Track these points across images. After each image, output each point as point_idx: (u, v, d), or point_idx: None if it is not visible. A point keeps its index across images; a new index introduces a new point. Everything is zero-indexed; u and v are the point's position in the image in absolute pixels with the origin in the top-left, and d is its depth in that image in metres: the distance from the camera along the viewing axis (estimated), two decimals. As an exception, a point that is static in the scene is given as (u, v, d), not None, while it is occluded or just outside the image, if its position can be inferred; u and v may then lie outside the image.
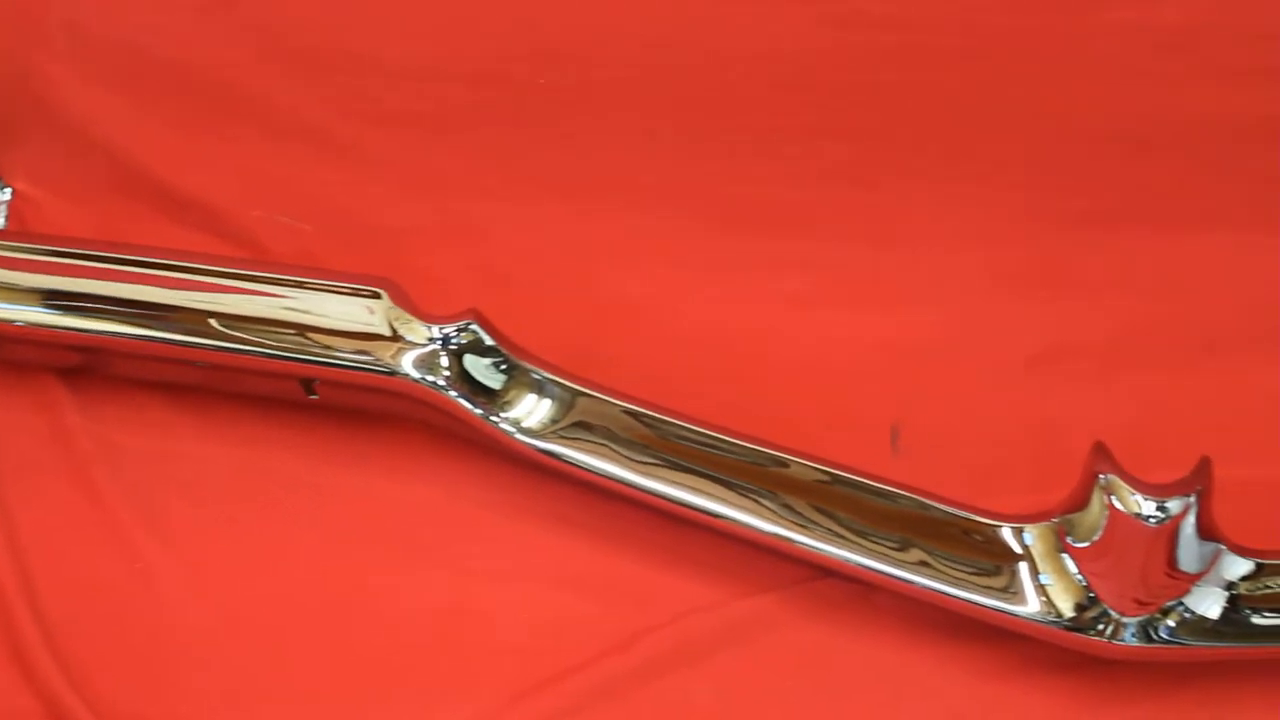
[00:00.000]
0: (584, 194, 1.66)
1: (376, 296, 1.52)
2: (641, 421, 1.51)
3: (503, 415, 1.51)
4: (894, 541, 1.46)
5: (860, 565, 1.46)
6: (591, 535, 1.56)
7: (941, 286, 1.62)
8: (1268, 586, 1.43)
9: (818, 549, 1.47)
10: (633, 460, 1.50)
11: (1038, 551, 1.44)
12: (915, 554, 1.46)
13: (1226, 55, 1.52)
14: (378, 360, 1.52)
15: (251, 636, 1.51)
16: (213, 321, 1.53)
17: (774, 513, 1.48)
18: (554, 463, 1.50)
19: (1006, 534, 1.46)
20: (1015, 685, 1.49)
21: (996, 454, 1.58)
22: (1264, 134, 1.53)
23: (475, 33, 1.60)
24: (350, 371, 1.52)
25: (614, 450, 1.50)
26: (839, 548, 1.46)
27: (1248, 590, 1.43)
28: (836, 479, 1.49)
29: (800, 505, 1.48)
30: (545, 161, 1.65)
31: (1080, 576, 1.42)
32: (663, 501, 1.49)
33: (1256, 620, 1.43)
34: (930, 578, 1.45)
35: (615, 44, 1.59)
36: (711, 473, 1.49)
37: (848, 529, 1.47)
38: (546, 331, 1.56)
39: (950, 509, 1.47)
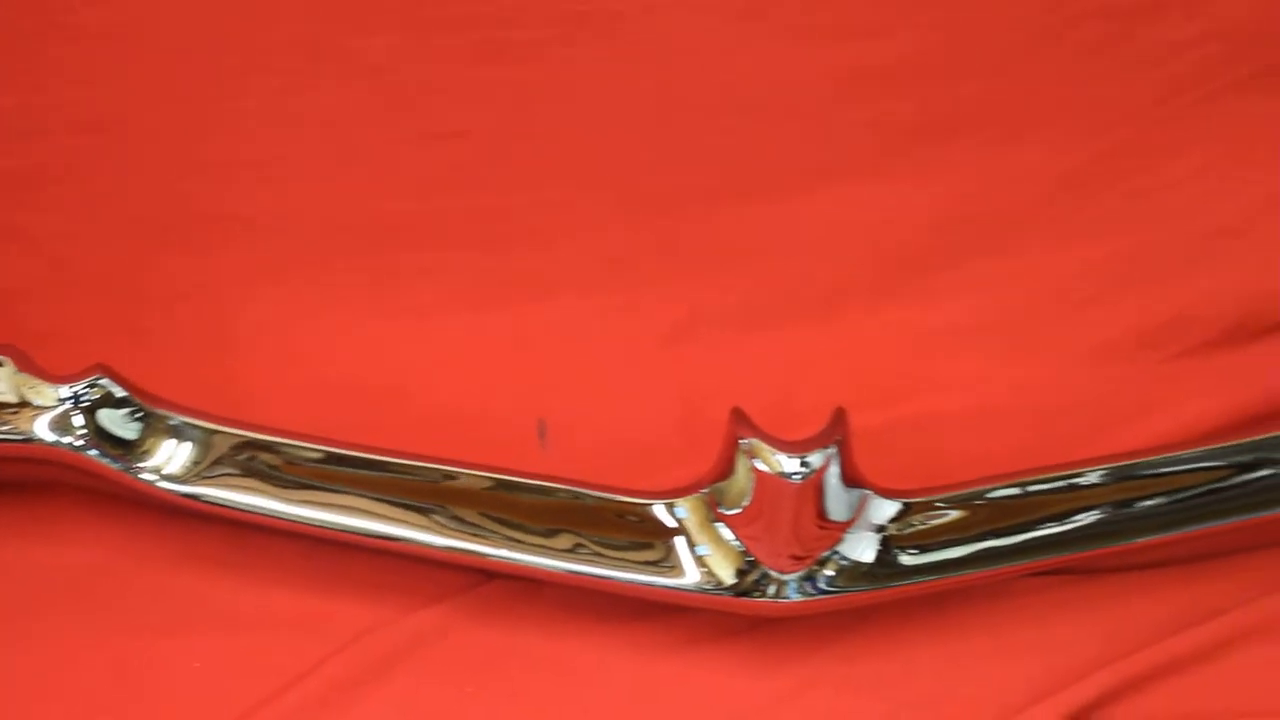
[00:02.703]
0: (195, 231, 1.62)
1: (-1, 364, 1.49)
2: (284, 452, 1.49)
3: (143, 465, 1.48)
4: (552, 535, 1.47)
5: (521, 563, 1.47)
6: (256, 572, 1.54)
7: (561, 279, 1.62)
8: (913, 525, 1.47)
9: (478, 553, 1.47)
10: (281, 491, 1.48)
11: (692, 524, 1.46)
12: (574, 544, 1.47)
13: (800, 16, 1.53)
14: (10, 429, 1.48)
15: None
16: None
17: (429, 523, 1.47)
18: (203, 506, 1.48)
19: (659, 510, 1.47)
20: (689, 658, 1.50)
21: (645, 433, 1.60)
22: (851, 87, 1.56)
23: (67, 80, 1.56)
24: (-18, 444, 1.49)
25: (261, 484, 1.48)
26: (498, 549, 1.47)
27: (897, 530, 1.47)
28: (488, 482, 1.49)
29: (461, 512, 1.48)
30: (153, 204, 1.61)
31: (737, 542, 1.45)
32: (318, 528, 1.48)
33: (906, 560, 1.47)
34: (590, 565, 1.46)
35: (203, 77, 1.56)
36: (363, 493, 1.48)
37: (504, 529, 1.47)
38: (180, 375, 1.54)
39: (601, 494, 1.48)
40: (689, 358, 1.62)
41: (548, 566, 1.47)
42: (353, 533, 1.48)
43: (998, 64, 1.55)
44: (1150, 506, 1.51)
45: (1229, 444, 1.51)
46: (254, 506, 1.48)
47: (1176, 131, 1.59)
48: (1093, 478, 1.51)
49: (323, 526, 1.48)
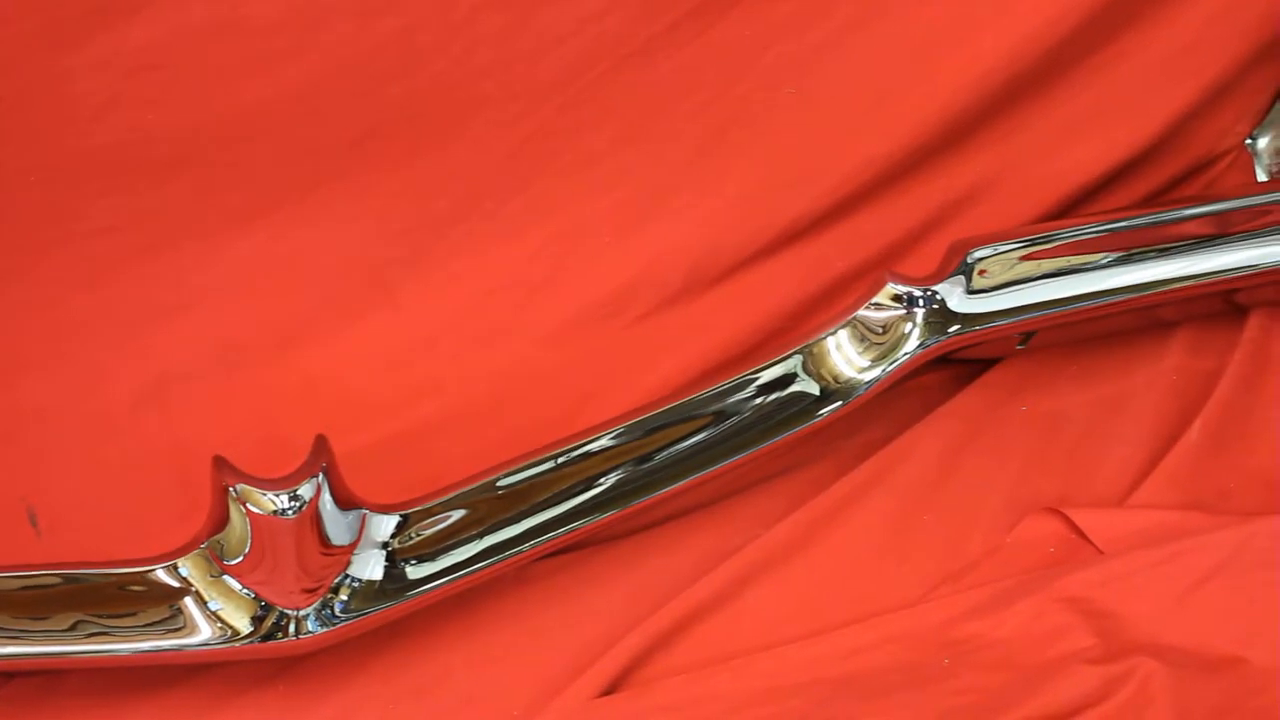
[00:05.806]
0: None
1: None
2: None
3: None
4: (57, 621, 1.44)
5: (31, 656, 1.44)
6: None
7: (17, 361, 1.58)
8: (416, 535, 1.49)
9: (-14, 656, 1.44)
10: None
11: (198, 581, 1.45)
12: (79, 625, 1.44)
13: (194, 60, 1.51)
14: None
15: None
16: None
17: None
18: None
19: (162, 575, 1.45)
20: (227, 713, 1.50)
21: (140, 499, 1.58)
22: (258, 121, 1.55)
23: None
24: None
25: None
26: (4, 647, 1.43)
27: (401, 544, 1.48)
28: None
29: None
30: None
31: (247, 590, 1.45)
32: None
33: (413, 570, 1.48)
34: (102, 643, 1.44)
35: None
36: None
37: (10, 625, 1.43)
38: None
39: (100, 571, 1.45)
40: (168, 415, 1.60)
41: (60, 654, 1.44)
42: None
43: (406, 71, 1.57)
44: (649, 467, 1.55)
45: (697, 395, 1.57)
46: None
47: (590, 107, 1.63)
48: (575, 454, 1.54)
49: None
